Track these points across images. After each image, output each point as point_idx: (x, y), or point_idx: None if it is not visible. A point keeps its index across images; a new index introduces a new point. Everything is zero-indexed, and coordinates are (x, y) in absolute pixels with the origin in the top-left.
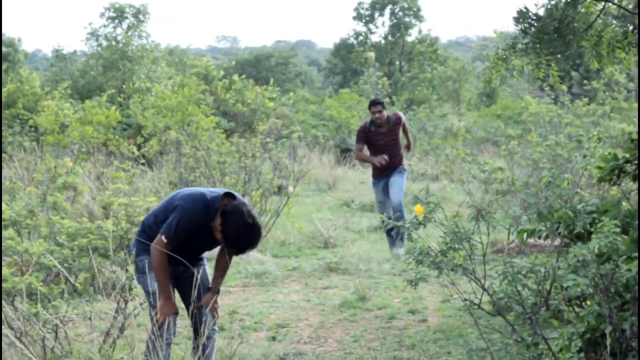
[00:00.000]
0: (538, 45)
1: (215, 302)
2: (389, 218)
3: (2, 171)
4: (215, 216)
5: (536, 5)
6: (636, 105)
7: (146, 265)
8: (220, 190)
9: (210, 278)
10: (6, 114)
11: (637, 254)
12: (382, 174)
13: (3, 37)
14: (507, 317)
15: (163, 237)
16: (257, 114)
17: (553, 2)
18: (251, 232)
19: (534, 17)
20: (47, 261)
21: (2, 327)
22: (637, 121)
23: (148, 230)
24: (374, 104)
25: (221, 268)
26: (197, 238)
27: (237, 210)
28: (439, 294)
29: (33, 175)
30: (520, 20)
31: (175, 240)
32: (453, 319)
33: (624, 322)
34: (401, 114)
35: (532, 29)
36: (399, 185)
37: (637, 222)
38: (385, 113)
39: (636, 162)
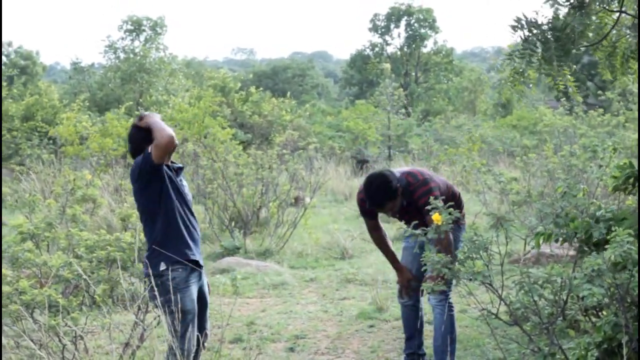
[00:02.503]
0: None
1: None
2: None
3: (21, 184)
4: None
5: (536, 12)
6: None
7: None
8: None
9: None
10: (25, 127)
11: None
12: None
13: (21, 50)
14: (524, 327)
15: (147, 150)
16: (273, 126)
17: (555, 11)
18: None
19: (533, 25)
20: (66, 273)
21: (23, 339)
22: None
23: (158, 241)
24: (379, 207)
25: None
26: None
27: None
28: (456, 304)
29: (52, 187)
30: (518, 27)
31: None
32: (470, 329)
33: None
34: (425, 190)
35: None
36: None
37: None
38: (398, 202)
39: None
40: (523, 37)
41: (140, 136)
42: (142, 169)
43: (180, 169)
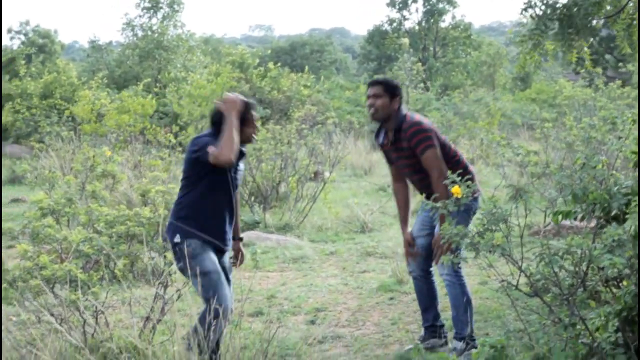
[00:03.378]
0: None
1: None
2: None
3: (40, 161)
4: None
5: None
6: None
7: (199, 247)
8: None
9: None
10: (43, 104)
11: None
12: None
13: (40, 29)
14: (544, 298)
15: (209, 149)
16: (292, 101)
17: None
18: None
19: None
20: (87, 248)
21: (43, 314)
22: None
23: (183, 211)
24: (369, 84)
25: (236, 216)
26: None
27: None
28: (477, 276)
29: (71, 164)
30: (529, 7)
31: (214, 144)
32: (491, 300)
33: None
34: (418, 130)
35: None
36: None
37: None
38: (391, 106)
39: None
40: (534, 16)
41: (216, 118)
42: (199, 157)
43: (243, 154)
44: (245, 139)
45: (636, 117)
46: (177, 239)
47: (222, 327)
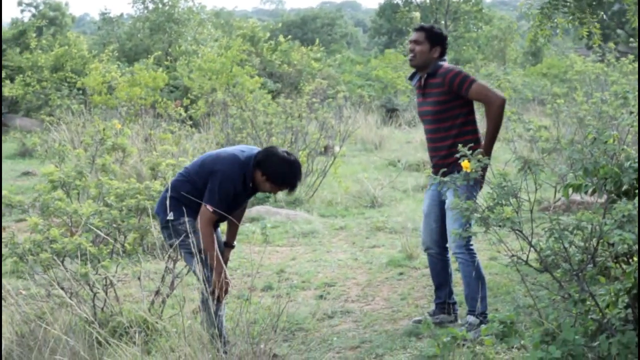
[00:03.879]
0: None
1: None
2: (427, 249)
3: (51, 134)
4: (254, 173)
5: None
6: None
7: (193, 225)
8: (249, 149)
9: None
10: (54, 77)
11: None
12: (435, 170)
13: (50, 1)
14: (554, 274)
15: (209, 207)
16: (302, 75)
17: None
18: (293, 164)
19: None
20: (97, 222)
21: (53, 287)
22: None
23: (180, 193)
24: (414, 29)
25: (234, 223)
26: (235, 201)
27: (271, 152)
28: (486, 251)
29: (81, 138)
30: None
31: (221, 207)
32: (500, 276)
33: None
34: (457, 71)
35: None
36: (453, 217)
37: None
38: (429, 53)
39: None
40: None
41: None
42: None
43: (255, 192)
44: (263, 189)
45: None
46: (171, 216)
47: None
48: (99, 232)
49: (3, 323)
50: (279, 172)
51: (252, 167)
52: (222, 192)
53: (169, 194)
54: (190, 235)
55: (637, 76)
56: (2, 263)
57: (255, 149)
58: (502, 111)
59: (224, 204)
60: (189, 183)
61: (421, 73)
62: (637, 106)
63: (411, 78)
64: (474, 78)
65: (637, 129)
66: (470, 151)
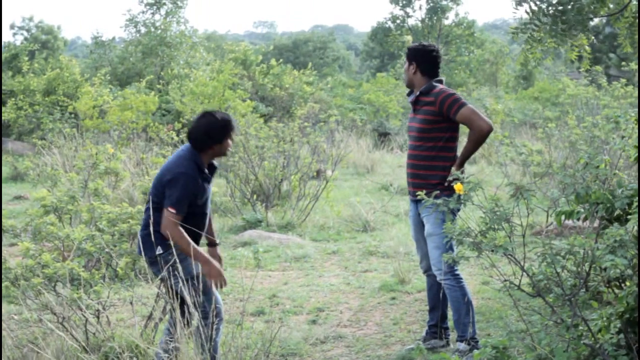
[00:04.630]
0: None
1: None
2: (427, 271)
3: (43, 158)
4: (201, 154)
5: None
6: None
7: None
8: (180, 149)
9: None
10: (46, 101)
11: None
12: (412, 193)
13: (43, 25)
14: (546, 298)
15: (170, 208)
16: (295, 99)
17: None
18: (213, 114)
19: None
20: (89, 247)
21: (45, 312)
22: None
23: (155, 226)
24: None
25: (209, 223)
26: (202, 196)
27: (197, 126)
28: (479, 276)
29: (74, 162)
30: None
31: (182, 206)
32: (492, 300)
33: None
34: (450, 93)
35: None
36: (435, 240)
37: None
38: (409, 71)
39: None
40: (529, 12)
41: (197, 134)
42: (166, 199)
43: (215, 168)
44: (222, 153)
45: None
46: (159, 250)
47: (221, 327)
48: (92, 255)
49: None
50: (215, 128)
51: (197, 152)
52: (181, 190)
53: (151, 229)
54: (177, 267)
55: (628, 100)
56: None
57: (184, 146)
58: (486, 138)
59: (185, 203)
60: (158, 211)
61: (415, 91)
62: (628, 129)
63: (409, 94)
64: (465, 102)
65: (628, 153)
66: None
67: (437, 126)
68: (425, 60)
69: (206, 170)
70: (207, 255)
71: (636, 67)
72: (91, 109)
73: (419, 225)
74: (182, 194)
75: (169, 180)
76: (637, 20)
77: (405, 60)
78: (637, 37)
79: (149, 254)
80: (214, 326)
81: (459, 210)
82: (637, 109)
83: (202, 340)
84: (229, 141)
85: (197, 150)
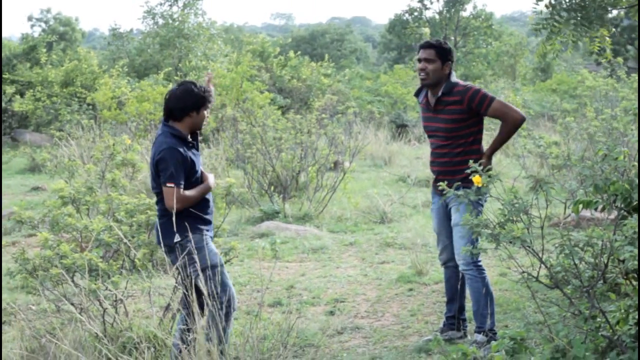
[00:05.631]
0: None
1: None
2: (446, 263)
3: (60, 149)
4: (181, 124)
5: None
6: None
7: (202, 241)
8: (160, 128)
9: None
10: (64, 92)
11: None
12: (437, 188)
13: (61, 17)
14: (564, 290)
15: (167, 184)
16: (312, 90)
17: None
18: (186, 83)
19: None
20: (107, 237)
21: (63, 303)
22: None
23: (168, 212)
24: (421, 47)
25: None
26: (192, 168)
27: (172, 98)
28: (496, 267)
29: (91, 153)
30: None
31: (178, 178)
32: (510, 292)
33: None
34: (476, 89)
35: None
36: (461, 230)
37: None
38: (442, 71)
39: None
40: (549, 5)
41: (173, 105)
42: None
43: (196, 137)
44: (198, 124)
45: None
46: (177, 238)
47: (232, 318)
48: (110, 246)
49: (13, 339)
50: (193, 95)
51: (173, 123)
52: (173, 164)
53: (173, 217)
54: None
55: None
56: (12, 279)
57: (159, 128)
58: (518, 128)
59: (181, 175)
60: (160, 201)
61: (432, 90)
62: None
63: (417, 94)
64: (493, 96)
65: None
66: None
67: (465, 124)
68: (453, 59)
69: (189, 138)
70: (204, 185)
71: None
72: (109, 100)
73: (444, 217)
74: (173, 167)
75: (157, 162)
76: None
77: (435, 58)
78: None
79: (167, 241)
80: (228, 317)
81: (485, 201)
82: None
83: (215, 331)
84: (205, 113)
85: (174, 120)
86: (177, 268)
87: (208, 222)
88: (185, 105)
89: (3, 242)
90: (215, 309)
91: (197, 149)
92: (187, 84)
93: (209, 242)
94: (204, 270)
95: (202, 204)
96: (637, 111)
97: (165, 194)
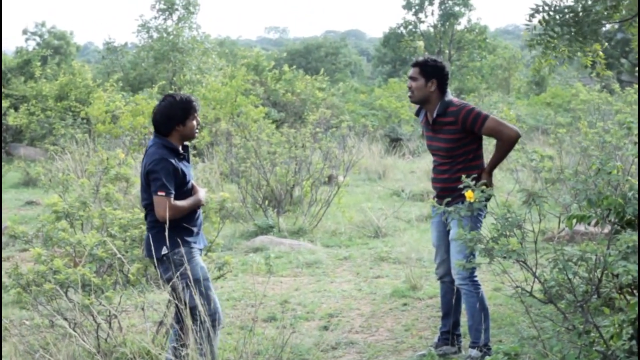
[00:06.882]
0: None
1: None
2: (442, 278)
3: (55, 163)
4: (169, 136)
5: None
6: None
7: (189, 254)
8: (152, 140)
9: None
10: (58, 106)
11: None
12: (439, 200)
13: (55, 30)
14: (558, 305)
15: (158, 193)
16: (307, 104)
17: None
18: (173, 96)
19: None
20: (100, 252)
21: (57, 318)
22: None
23: (159, 223)
24: (416, 62)
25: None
26: (184, 178)
27: (161, 111)
28: (490, 282)
29: (85, 167)
30: (537, 12)
31: (168, 188)
32: (504, 307)
33: None
34: (469, 109)
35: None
36: (458, 244)
37: None
38: (426, 88)
39: None
40: (542, 21)
41: (163, 119)
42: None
43: (186, 149)
44: (189, 135)
45: None
46: (164, 250)
47: (218, 332)
48: (104, 260)
49: (6, 354)
50: (176, 108)
51: (163, 136)
52: (165, 174)
53: (165, 228)
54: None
55: None
56: (6, 293)
57: (150, 140)
58: (514, 145)
59: (169, 185)
60: (148, 214)
61: (426, 108)
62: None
63: (417, 114)
64: (487, 113)
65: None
66: (474, 181)
67: (463, 142)
68: (443, 77)
69: (180, 149)
70: (194, 197)
71: None
72: (103, 114)
73: (443, 232)
74: (164, 177)
75: (148, 172)
76: None
77: (418, 76)
78: None
79: (155, 253)
80: (214, 331)
81: (484, 216)
82: None
83: (208, 346)
84: (194, 122)
85: (163, 134)
86: (166, 281)
87: (196, 234)
88: (170, 119)
89: None
90: (204, 323)
91: (188, 161)
92: (168, 98)
93: (195, 255)
94: (190, 283)
95: (190, 215)
96: (630, 124)
97: (156, 203)
